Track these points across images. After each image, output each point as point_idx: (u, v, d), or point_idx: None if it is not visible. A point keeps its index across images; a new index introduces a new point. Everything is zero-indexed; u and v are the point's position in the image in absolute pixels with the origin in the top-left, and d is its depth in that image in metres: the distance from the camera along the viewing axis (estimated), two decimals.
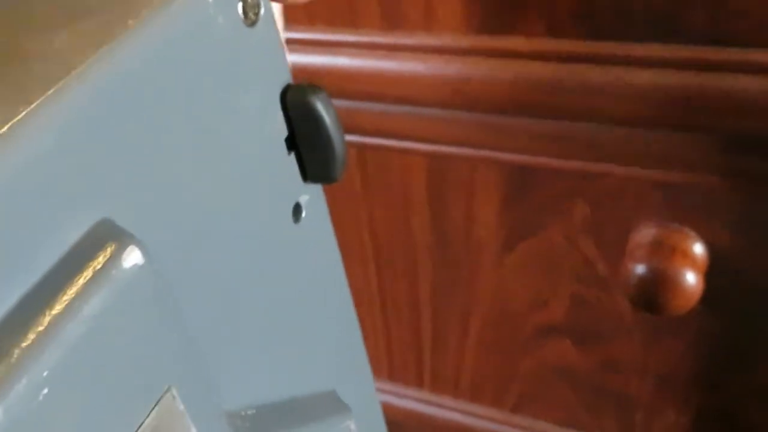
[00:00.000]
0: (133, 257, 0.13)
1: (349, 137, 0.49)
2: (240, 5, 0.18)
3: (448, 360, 0.59)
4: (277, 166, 0.20)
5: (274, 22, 0.19)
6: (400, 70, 0.44)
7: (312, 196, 0.22)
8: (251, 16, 0.18)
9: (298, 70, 0.46)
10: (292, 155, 0.21)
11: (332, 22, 0.44)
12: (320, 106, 0.20)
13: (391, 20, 0.43)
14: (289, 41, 0.46)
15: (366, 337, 0.62)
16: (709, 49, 0.36)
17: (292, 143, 0.20)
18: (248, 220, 0.19)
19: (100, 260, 0.13)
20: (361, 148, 0.50)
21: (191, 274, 0.17)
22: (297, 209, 0.21)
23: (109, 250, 0.13)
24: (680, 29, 0.37)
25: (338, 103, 0.47)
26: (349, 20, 0.44)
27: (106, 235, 0.13)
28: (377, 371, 0.63)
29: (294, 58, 0.46)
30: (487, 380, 0.58)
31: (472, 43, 0.42)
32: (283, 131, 0.20)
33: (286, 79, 0.20)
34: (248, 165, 0.19)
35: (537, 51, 0.40)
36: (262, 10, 0.19)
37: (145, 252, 0.14)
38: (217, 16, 0.17)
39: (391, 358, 0.62)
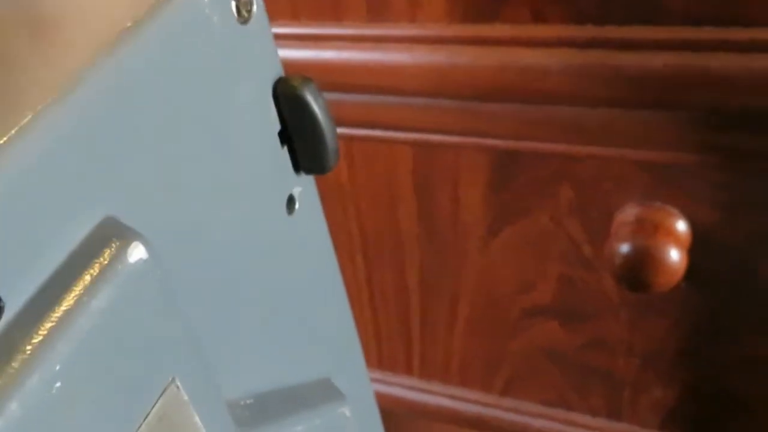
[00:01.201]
0: (137, 253, 0.14)
1: (337, 129, 0.50)
2: (233, 4, 0.18)
3: (437, 346, 0.59)
4: (271, 160, 0.20)
5: (266, 18, 0.20)
6: (386, 60, 0.44)
7: (305, 188, 0.22)
8: (244, 14, 0.19)
9: (284, 65, 0.46)
10: (285, 148, 0.21)
11: (317, 16, 0.45)
12: (310, 97, 0.20)
13: (376, 12, 0.43)
14: (274, 36, 0.46)
15: (355, 326, 0.63)
16: (687, 29, 0.37)
17: (284, 137, 0.21)
18: (244, 213, 0.20)
19: (106, 256, 0.13)
20: (348, 139, 0.50)
21: (191, 267, 0.18)
22: (290, 201, 0.22)
23: (114, 247, 0.14)
24: (659, 11, 0.37)
25: (325, 95, 0.48)
26: (334, 13, 0.44)
27: (111, 232, 0.14)
28: (367, 360, 0.63)
29: (280, 53, 0.46)
30: (476, 364, 0.59)
31: (456, 32, 0.42)
32: (276, 125, 0.20)
33: (278, 73, 0.20)
34: (243, 159, 0.19)
35: (520, 37, 0.41)
36: (255, 8, 0.19)
37: (149, 247, 0.14)
38: (212, 15, 0.17)
39: (380, 347, 0.62)
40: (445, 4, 0.41)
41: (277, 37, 0.46)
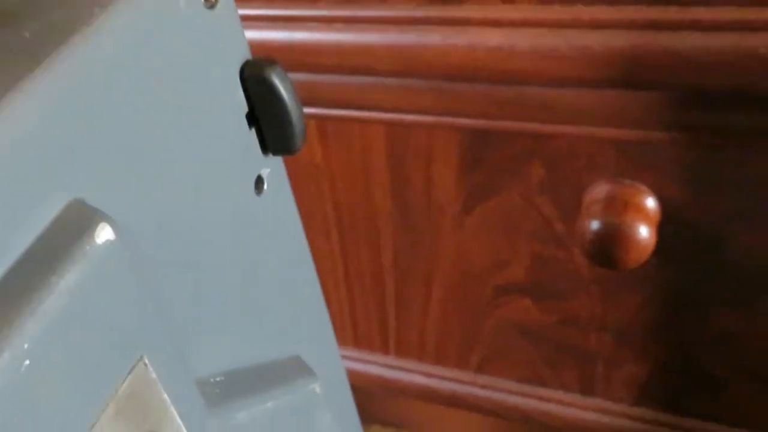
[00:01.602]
0: (104, 234, 0.14)
1: (309, 110, 0.50)
2: None
3: (412, 324, 0.60)
4: (239, 142, 0.21)
5: (233, 2, 0.20)
6: (357, 41, 0.44)
7: (273, 169, 0.22)
8: None
9: (256, 47, 0.46)
10: (253, 130, 0.21)
11: None
12: (276, 79, 0.20)
13: None
14: (247, 18, 0.46)
15: (330, 305, 0.64)
16: (652, 9, 0.38)
17: (252, 119, 0.21)
18: (212, 193, 0.20)
19: (74, 238, 0.14)
20: (321, 119, 0.50)
21: (161, 247, 0.18)
22: (259, 182, 0.22)
23: (82, 228, 0.14)
24: None
25: (298, 76, 0.48)
26: None
27: (79, 214, 0.14)
28: (342, 339, 0.64)
29: (252, 34, 0.46)
30: (451, 342, 0.60)
31: (425, 13, 0.42)
32: (244, 107, 0.21)
33: (245, 57, 0.20)
34: (211, 141, 0.20)
35: (489, 18, 0.41)
36: None
37: (116, 228, 0.14)
38: (179, 0, 0.18)
39: (355, 325, 0.63)
40: None
41: (251, 18, 0.46)
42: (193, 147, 0.19)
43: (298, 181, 0.54)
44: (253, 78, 0.20)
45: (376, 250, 0.57)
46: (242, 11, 0.46)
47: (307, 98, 0.49)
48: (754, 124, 0.40)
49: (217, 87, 0.19)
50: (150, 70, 0.17)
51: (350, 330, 0.64)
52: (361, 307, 0.61)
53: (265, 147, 0.22)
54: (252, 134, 0.21)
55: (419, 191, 0.52)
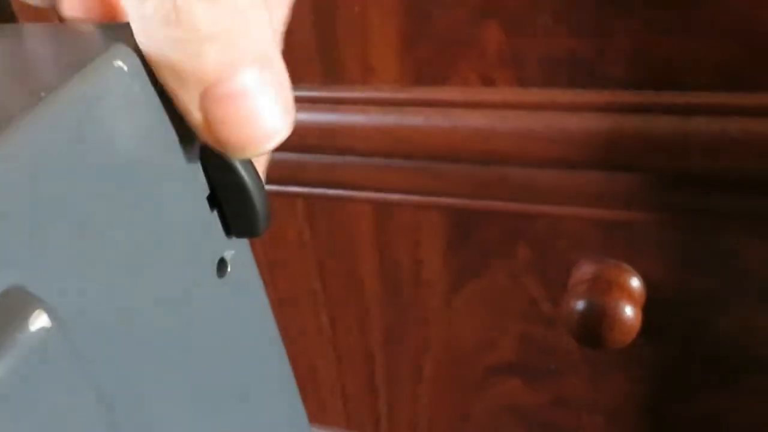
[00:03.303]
0: (39, 321, 0.14)
1: (297, 189, 0.50)
2: None
3: (403, 405, 0.59)
4: (200, 224, 0.21)
5: None
6: (342, 122, 0.45)
7: (238, 251, 0.22)
8: None
9: None
10: (215, 212, 0.21)
11: None
12: (237, 162, 0.20)
13: (331, 75, 0.44)
14: None
15: (320, 386, 0.63)
16: (628, 93, 0.38)
17: (214, 200, 0.21)
18: (171, 279, 0.20)
19: (7, 324, 0.13)
20: (309, 199, 0.51)
21: (112, 336, 0.18)
22: (222, 264, 0.22)
23: (16, 315, 0.14)
24: (600, 76, 0.39)
25: (284, 156, 0.49)
26: (291, 76, 0.45)
27: (14, 300, 0.14)
28: (333, 419, 0.63)
29: None
30: (442, 424, 0.59)
31: (408, 95, 0.43)
32: (205, 189, 0.21)
33: None
34: (170, 225, 0.20)
35: (470, 100, 0.42)
36: None
37: (53, 316, 0.14)
38: (132, 84, 0.18)
39: (346, 407, 0.62)
40: (397, 69, 0.43)
41: None
42: (150, 230, 0.19)
43: (286, 260, 0.55)
44: (214, 160, 0.20)
45: (366, 329, 0.56)
46: None
47: (294, 177, 0.49)
48: (729, 206, 0.40)
49: (175, 169, 0.19)
50: (100, 153, 0.17)
51: (341, 411, 0.63)
52: (352, 388, 0.61)
53: (228, 229, 0.22)
54: (214, 216, 0.21)
55: (407, 270, 0.52)
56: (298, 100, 0.46)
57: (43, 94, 0.16)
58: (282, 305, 0.57)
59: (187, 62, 0.17)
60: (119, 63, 0.17)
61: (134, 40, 0.18)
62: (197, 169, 0.20)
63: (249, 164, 0.21)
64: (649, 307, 0.45)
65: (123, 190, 0.18)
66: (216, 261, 0.22)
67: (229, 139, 0.18)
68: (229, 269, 0.22)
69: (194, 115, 0.18)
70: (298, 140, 0.47)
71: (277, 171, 0.49)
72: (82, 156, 0.16)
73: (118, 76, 0.17)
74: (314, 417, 0.64)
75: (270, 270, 0.56)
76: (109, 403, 0.17)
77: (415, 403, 0.59)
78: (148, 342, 0.19)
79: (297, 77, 0.45)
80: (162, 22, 0.17)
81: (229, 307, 0.23)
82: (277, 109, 0.19)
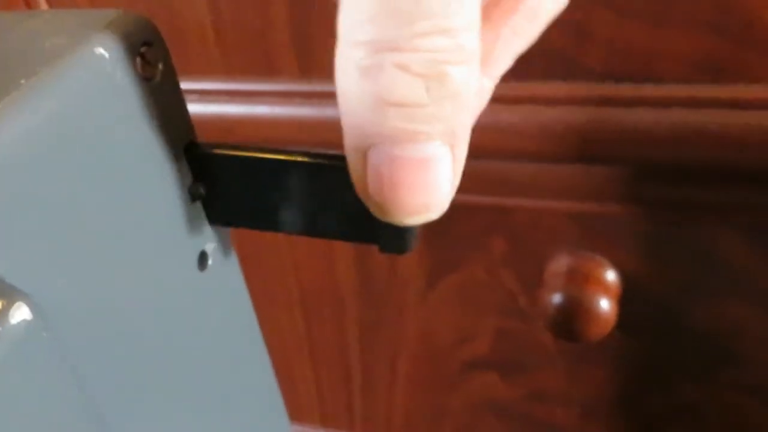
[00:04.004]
0: (20, 314, 0.13)
1: None
2: (138, 60, 0.18)
3: (379, 401, 0.59)
4: (181, 217, 0.20)
5: (175, 75, 0.20)
6: (318, 115, 0.45)
7: (219, 244, 0.22)
8: (150, 70, 0.19)
9: (216, 121, 0.46)
10: (197, 204, 0.21)
11: (249, 71, 0.45)
12: (221, 154, 0.20)
13: (307, 68, 0.44)
14: (206, 92, 0.46)
15: (296, 383, 0.62)
16: (605, 86, 0.38)
17: (196, 192, 0.21)
18: (151, 271, 0.20)
19: None
20: None
21: (93, 328, 0.18)
22: (203, 257, 0.21)
23: None
24: (579, 68, 0.39)
25: None
26: (266, 70, 0.45)
27: None
28: (309, 417, 0.63)
29: (212, 108, 0.46)
30: (418, 419, 0.59)
31: None
32: (188, 180, 0.20)
33: (188, 129, 0.20)
34: (151, 216, 0.19)
35: None
36: (161, 65, 0.19)
37: (34, 308, 0.14)
38: (114, 72, 0.17)
39: (322, 403, 0.62)
40: None
41: (210, 92, 0.47)
42: (131, 221, 0.18)
43: (260, 256, 0.54)
44: (198, 150, 0.20)
45: (341, 325, 0.56)
46: (201, 86, 0.46)
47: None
48: (705, 198, 0.40)
49: (157, 159, 0.19)
50: (82, 142, 0.17)
51: (316, 408, 0.62)
52: (327, 385, 0.60)
53: (211, 221, 0.21)
54: (196, 208, 0.21)
55: (383, 266, 0.51)
56: (273, 94, 0.46)
57: (23, 81, 0.15)
58: (256, 302, 0.57)
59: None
60: (101, 50, 0.17)
61: (124, 26, 0.18)
62: (181, 159, 0.20)
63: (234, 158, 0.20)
64: (624, 300, 0.45)
65: (103, 180, 0.17)
66: (197, 254, 0.21)
67: (400, 202, 0.17)
68: (210, 262, 0.22)
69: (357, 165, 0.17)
70: (273, 134, 0.46)
71: None
72: (61, 144, 0.16)
73: (99, 64, 0.17)
74: (289, 414, 0.64)
75: (244, 266, 0.55)
76: (91, 395, 0.16)
77: (390, 399, 0.58)
78: (129, 334, 0.19)
79: (273, 70, 0.45)
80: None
81: (209, 300, 0.22)
82: (454, 183, 0.18)
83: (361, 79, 0.16)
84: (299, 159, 0.20)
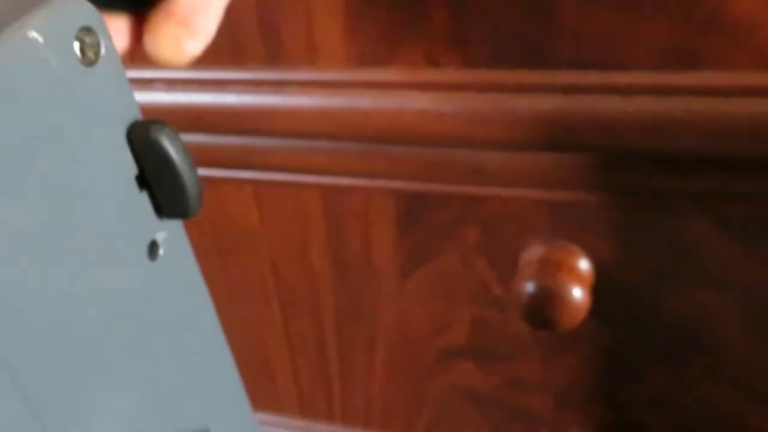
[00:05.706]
0: None
1: (243, 173, 0.49)
2: (77, 45, 0.18)
3: (357, 391, 0.59)
4: (128, 205, 0.20)
5: (117, 60, 0.19)
6: (287, 104, 0.44)
7: (170, 233, 0.22)
8: (90, 55, 0.18)
9: (184, 110, 0.46)
10: (145, 193, 0.21)
11: (216, 59, 0.45)
12: (165, 141, 0.20)
13: (275, 56, 0.44)
14: (174, 81, 0.46)
15: (274, 374, 0.62)
16: (573, 73, 0.38)
17: (143, 181, 0.20)
18: (100, 260, 0.19)
19: None
20: (256, 184, 0.50)
21: (44, 317, 0.17)
22: (153, 247, 0.21)
23: None
24: (547, 55, 0.38)
25: (228, 140, 0.48)
26: (234, 57, 0.44)
27: None
28: (287, 407, 0.63)
29: (180, 97, 0.46)
30: (396, 408, 0.59)
31: (353, 76, 0.43)
32: (133, 169, 0.20)
33: (132, 116, 0.20)
34: (97, 205, 0.19)
35: (416, 81, 0.41)
36: (103, 50, 0.19)
37: None
38: (49, 57, 0.17)
39: (300, 394, 0.61)
40: (342, 48, 0.42)
41: (178, 81, 0.46)
42: (75, 210, 0.18)
43: (235, 247, 0.54)
44: (140, 139, 0.20)
45: (318, 315, 0.56)
46: (170, 74, 0.46)
47: (240, 161, 0.48)
48: (676, 186, 0.40)
49: (100, 147, 0.19)
50: (19, 130, 0.16)
51: (295, 398, 0.62)
52: (305, 375, 0.60)
53: (159, 211, 0.21)
54: (143, 197, 0.20)
55: (358, 255, 0.51)
56: (241, 83, 0.46)
57: None
58: (233, 292, 0.57)
59: None
60: (34, 34, 0.17)
61: (60, 8, 0.17)
62: (124, 147, 0.20)
63: (178, 143, 0.20)
64: (598, 289, 0.45)
65: (44, 168, 0.17)
66: (147, 243, 0.21)
67: None
68: (161, 252, 0.22)
69: None
70: (242, 123, 0.46)
71: (224, 155, 0.48)
72: None
73: (32, 48, 0.17)
74: (268, 405, 0.63)
75: (220, 257, 0.55)
76: (25, 391, 0.16)
77: (369, 389, 0.58)
78: (75, 324, 0.18)
79: (240, 58, 0.44)
80: None
81: (162, 290, 0.22)
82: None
83: None
84: None
